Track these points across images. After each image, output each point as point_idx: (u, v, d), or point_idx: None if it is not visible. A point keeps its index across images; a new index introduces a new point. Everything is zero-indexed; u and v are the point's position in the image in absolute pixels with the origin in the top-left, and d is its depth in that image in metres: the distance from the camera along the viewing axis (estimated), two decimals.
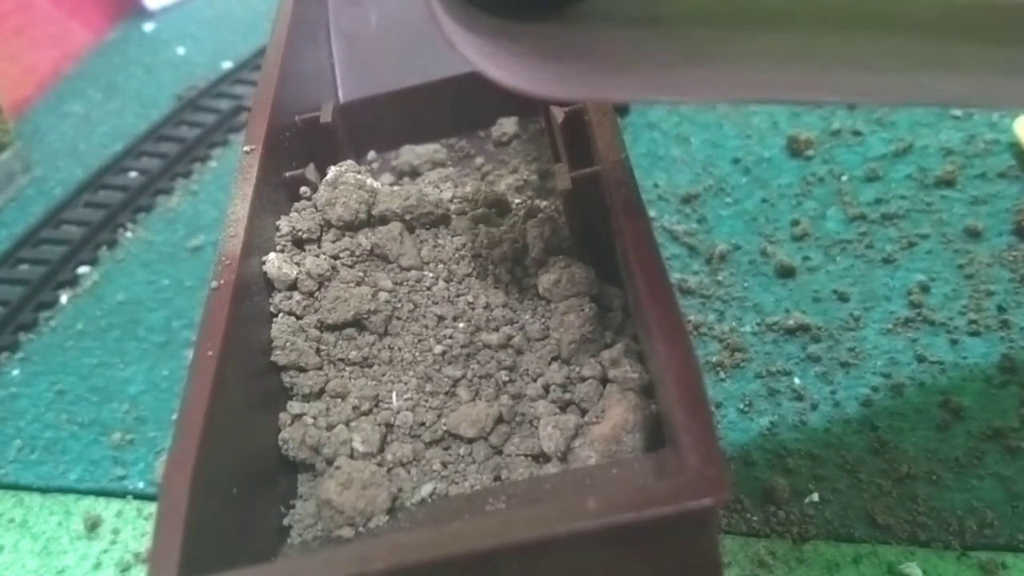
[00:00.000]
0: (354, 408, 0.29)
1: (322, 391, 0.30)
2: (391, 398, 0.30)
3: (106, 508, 0.40)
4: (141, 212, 0.58)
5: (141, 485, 0.40)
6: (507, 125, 0.44)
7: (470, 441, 0.29)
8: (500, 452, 0.28)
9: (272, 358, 0.30)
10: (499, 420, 0.29)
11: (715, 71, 0.25)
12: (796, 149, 0.48)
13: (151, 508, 0.39)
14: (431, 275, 0.32)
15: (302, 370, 0.30)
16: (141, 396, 0.45)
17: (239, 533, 0.25)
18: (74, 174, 0.62)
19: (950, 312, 0.38)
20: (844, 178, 0.46)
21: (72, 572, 0.38)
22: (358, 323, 0.31)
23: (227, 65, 0.71)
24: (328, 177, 0.35)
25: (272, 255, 0.32)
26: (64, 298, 0.52)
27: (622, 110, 0.52)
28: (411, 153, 0.43)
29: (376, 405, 0.30)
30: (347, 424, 0.29)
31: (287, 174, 0.36)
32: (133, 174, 0.60)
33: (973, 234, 0.41)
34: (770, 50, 0.25)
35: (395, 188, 0.35)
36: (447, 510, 0.27)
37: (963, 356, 0.36)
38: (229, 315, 0.27)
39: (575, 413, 0.28)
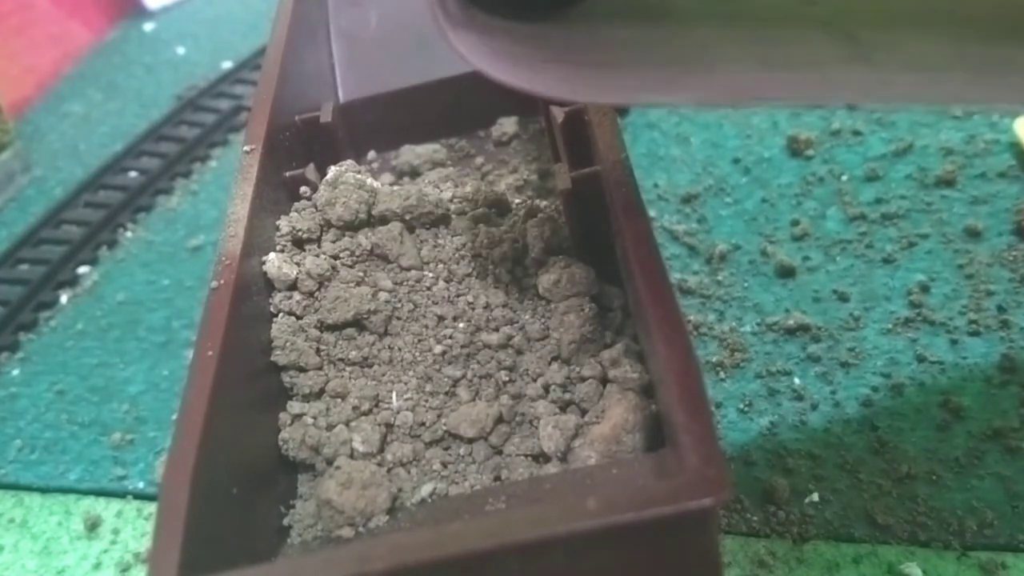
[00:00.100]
0: (354, 408, 0.29)
1: (322, 391, 0.30)
2: (391, 398, 0.30)
3: (106, 508, 0.40)
4: (141, 212, 0.58)
5: (141, 485, 0.40)
6: (507, 125, 0.44)
7: (470, 441, 0.29)
8: (500, 452, 0.28)
9: (272, 358, 0.30)
10: (499, 420, 0.29)
11: (717, 72, 0.25)
12: (796, 149, 0.48)
13: (151, 508, 0.39)
14: (431, 275, 0.32)
15: (302, 370, 0.30)
16: (141, 396, 0.45)
17: (239, 533, 0.25)
18: (74, 174, 0.62)
19: (950, 312, 0.38)
20: (844, 178, 0.46)
21: (72, 572, 0.38)
22: (358, 323, 0.31)
23: (227, 65, 0.71)
24: (328, 177, 0.35)
25: (272, 255, 0.32)
26: (64, 298, 0.52)
27: (622, 110, 0.52)
28: (411, 153, 0.43)
29: (376, 405, 0.30)
30: (347, 424, 0.29)
31: (287, 174, 0.36)
32: (133, 174, 0.60)
33: (973, 234, 0.41)
34: (771, 50, 0.25)
35: (395, 188, 0.35)
36: (447, 510, 0.27)
37: (963, 356, 0.36)
38: (229, 315, 0.27)
39: (575, 413, 0.28)
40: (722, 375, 0.38)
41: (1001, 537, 0.31)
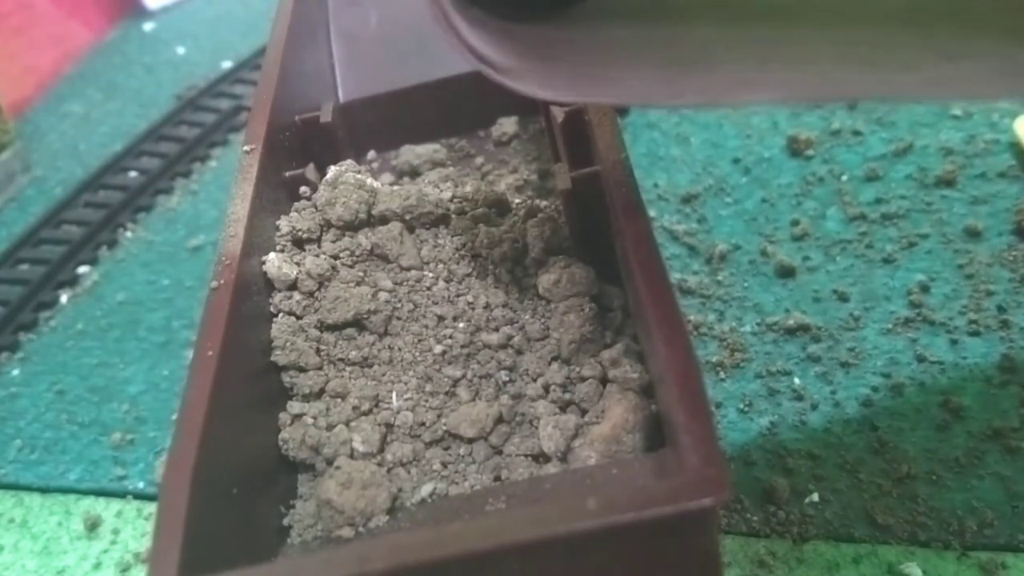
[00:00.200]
0: (354, 408, 0.29)
1: (322, 391, 0.30)
2: (391, 398, 0.30)
3: (106, 508, 0.40)
4: (141, 212, 0.58)
5: (141, 485, 0.40)
6: (507, 125, 0.44)
7: (470, 441, 0.29)
8: (500, 452, 0.28)
9: (272, 358, 0.30)
10: (499, 420, 0.29)
11: (717, 72, 0.25)
12: (796, 149, 0.48)
13: (151, 508, 0.39)
14: (431, 275, 0.32)
15: (302, 370, 0.30)
16: (141, 396, 0.45)
17: (239, 533, 0.25)
18: (74, 174, 0.62)
19: (950, 312, 0.38)
20: (844, 178, 0.46)
21: (72, 572, 0.38)
22: (358, 323, 0.31)
23: (227, 65, 0.71)
24: (328, 177, 0.35)
25: (272, 255, 0.32)
26: (64, 298, 0.52)
27: (622, 110, 0.52)
28: (411, 153, 0.43)
29: (376, 405, 0.30)
30: (347, 424, 0.29)
31: (287, 174, 0.36)
32: (133, 174, 0.60)
33: (973, 234, 0.41)
34: (771, 50, 0.25)
35: (395, 188, 0.35)
36: (447, 510, 0.27)
37: (963, 356, 0.36)
38: (229, 315, 0.27)
39: (575, 413, 0.28)
40: (722, 375, 0.38)
41: (1001, 537, 0.31)
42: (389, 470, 0.28)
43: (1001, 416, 0.34)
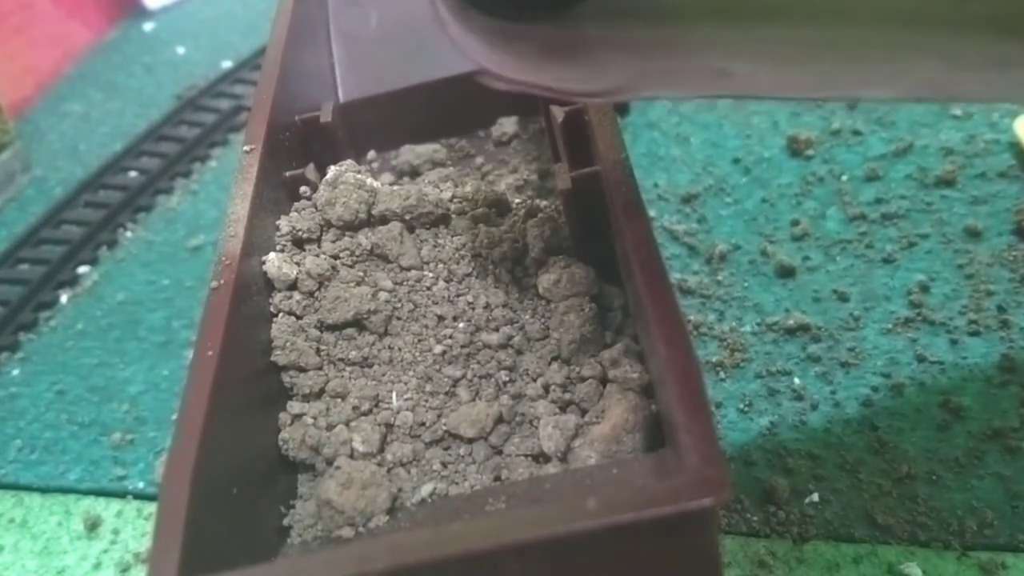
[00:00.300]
0: (354, 408, 0.29)
1: (322, 391, 0.30)
2: (391, 398, 0.30)
3: (106, 508, 0.40)
4: (141, 212, 0.58)
5: (141, 485, 0.40)
6: (507, 125, 0.44)
7: (470, 441, 0.29)
8: (500, 452, 0.28)
9: (272, 358, 0.30)
10: (499, 420, 0.29)
11: (717, 71, 0.25)
12: (796, 149, 0.48)
13: (151, 508, 0.39)
14: (431, 275, 0.32)
15: (302, 370, 0.30)
16: (141, 396, 0.45)
17: (239, 533, 0.25)
18: (74, 174, 0.62)
19: (950, 312, 0.38)
20: (844, 178, 0.46)
21: (72, 572, 0.38)
22: (358, 323, 0.31)
23: (227, 65, 0.71)
24: (328, 177, 0.35)
25: (272, 255, 0.32)
26: (64, 298, 0.52)
27: (622, 110, 0.52)
28: (411, 153, 0.43)
29: (376, 405, 0.30)
30: (347, 424, 0.29)
31: (287, 174, 0.36)
32: (133, 174, 0.60)
33: (973, 234, 0.41)
34: (771, 49, 0.25)
35: (395, 188, 0.35)
36: (447, 510, 0.27)
37: (963, 356, 0.36)
38: (229, 315, 0.27)
39: (575, 413, 0.28)
40: (722, 375, 0.38)
41: (1001, 537, 0.31)
42: (389, 470, 0.28)
43: (1001, 416, 0.34)
